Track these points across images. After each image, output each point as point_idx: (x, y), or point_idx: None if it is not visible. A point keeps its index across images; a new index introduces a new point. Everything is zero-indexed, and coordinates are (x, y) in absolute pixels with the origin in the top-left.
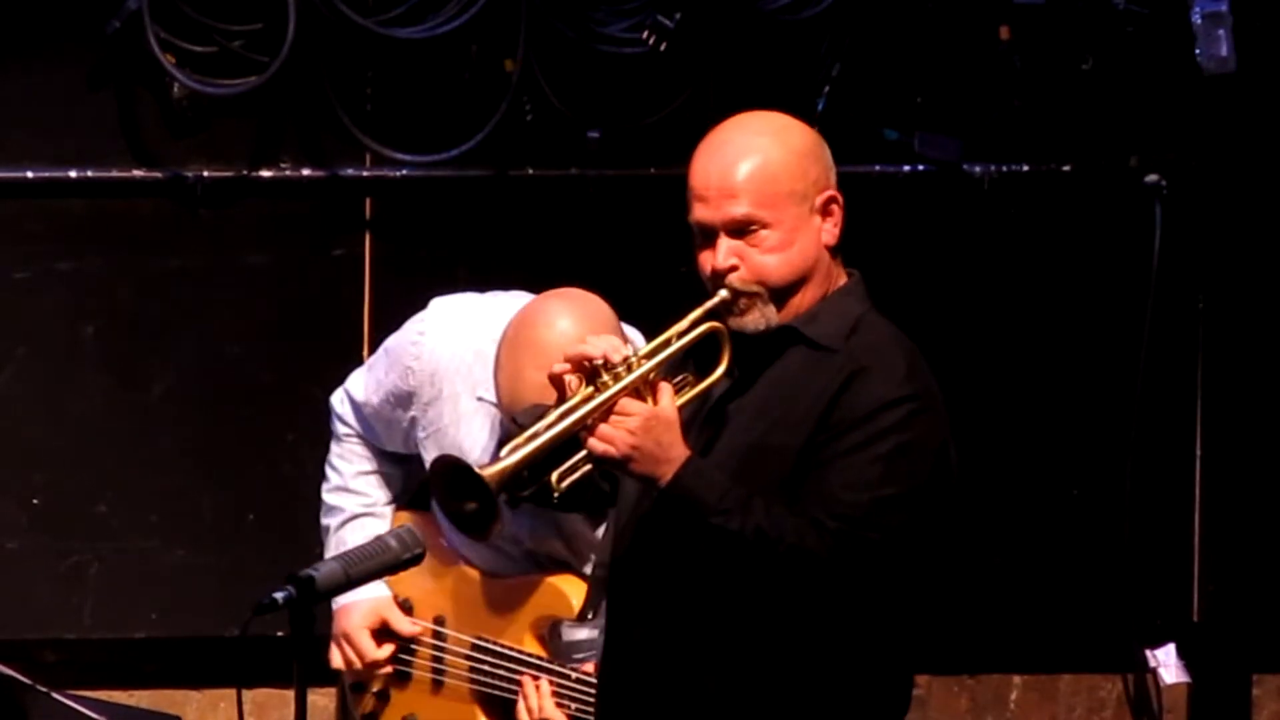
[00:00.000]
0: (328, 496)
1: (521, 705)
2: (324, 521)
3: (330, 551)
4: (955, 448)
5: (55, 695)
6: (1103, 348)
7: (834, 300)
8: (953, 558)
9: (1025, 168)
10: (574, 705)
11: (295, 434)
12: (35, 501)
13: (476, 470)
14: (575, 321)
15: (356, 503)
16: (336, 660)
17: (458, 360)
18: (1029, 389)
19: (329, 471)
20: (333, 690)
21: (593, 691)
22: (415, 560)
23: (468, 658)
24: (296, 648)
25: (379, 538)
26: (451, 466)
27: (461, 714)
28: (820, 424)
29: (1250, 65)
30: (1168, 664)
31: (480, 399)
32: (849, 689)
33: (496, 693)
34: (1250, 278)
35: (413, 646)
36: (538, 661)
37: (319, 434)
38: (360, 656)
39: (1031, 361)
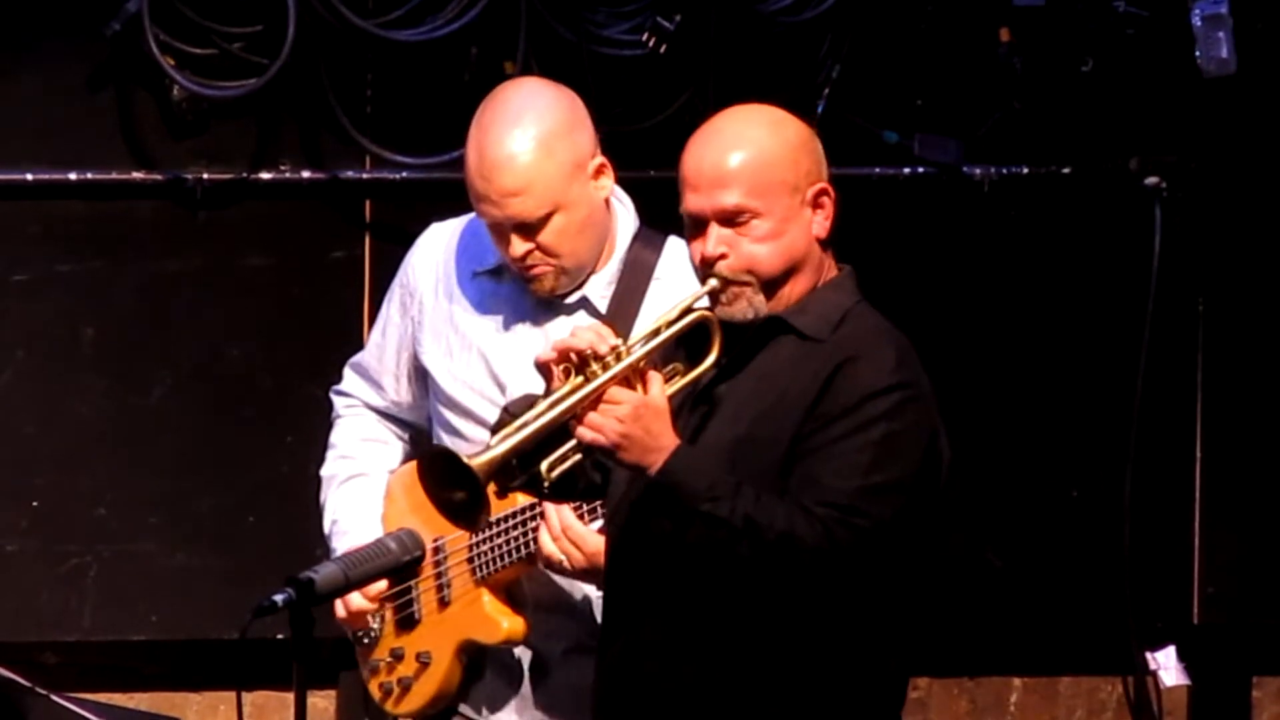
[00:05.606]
0: (325, 469)
1: (544, 535)
2: (321, 496)
3: (326, 520)
4: (947, 440)
5: (55, 698)
6: (1103, 349)
7: (823, 293)
8: (947, 556)
9: (1025, 170)
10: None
11: (295, 435)
12: (35, 504)
13: (465, 460)
14: (543, 88)
15: (352, 466)
16: (340, 610)
17: (453, 245)
18: (1029, 391)
19: (328, 452)
20: (333, 692)
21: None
22: (414, 563)
23: (467, 551)
24: (296, 650)
25: (379, 540)
26: (440, 455)
27: (469, 612)
28: (809, 413)
29: (1250, 67)
30: (1168, 666)
31: (475, 273)
32: (841, 682)
33: (497, 567)
34: (1250, 278)
35: (417, 584)
36: (525, 506)
37: (319, 435)
38: (363, 591)
39: (1031, 363)
